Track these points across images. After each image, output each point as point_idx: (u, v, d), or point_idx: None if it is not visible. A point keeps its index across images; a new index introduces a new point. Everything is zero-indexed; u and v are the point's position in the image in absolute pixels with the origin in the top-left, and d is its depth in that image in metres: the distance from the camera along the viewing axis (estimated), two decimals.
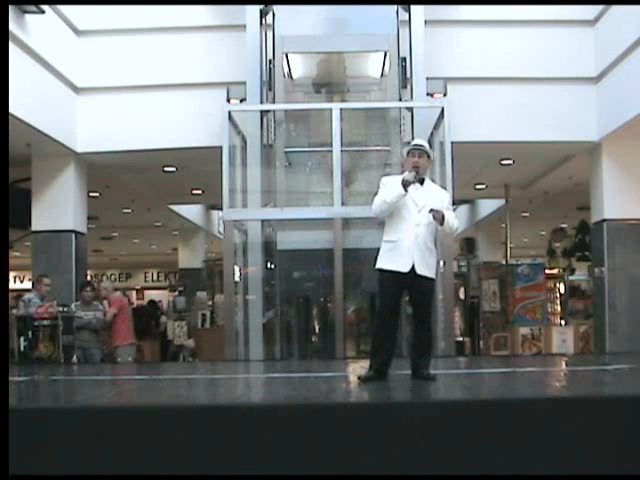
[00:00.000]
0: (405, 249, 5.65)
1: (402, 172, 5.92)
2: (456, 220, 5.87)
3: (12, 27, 7.88)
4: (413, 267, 5.62)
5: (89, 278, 12.32)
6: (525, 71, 9.75)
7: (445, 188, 8.19)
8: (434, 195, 5.88)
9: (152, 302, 15.40)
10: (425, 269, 5.68)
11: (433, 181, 6.06)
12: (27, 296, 9.15)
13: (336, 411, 4.56)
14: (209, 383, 7.18)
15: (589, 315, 11.41)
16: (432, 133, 8.91)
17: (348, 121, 8.74)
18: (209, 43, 10.00)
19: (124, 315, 9.82)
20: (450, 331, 8.73)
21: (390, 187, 5.75)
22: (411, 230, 5.68)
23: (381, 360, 5.72)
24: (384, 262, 5.73)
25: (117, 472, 4.14)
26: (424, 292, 5.78)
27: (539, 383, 6.52)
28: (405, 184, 5.65)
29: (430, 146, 8.89)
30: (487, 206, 16.58)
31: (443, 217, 5.67)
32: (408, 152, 5.89)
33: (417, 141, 6.10)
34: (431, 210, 5.65)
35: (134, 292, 27.31)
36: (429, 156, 5.92)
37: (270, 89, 9.31)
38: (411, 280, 5.65)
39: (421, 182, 5.81)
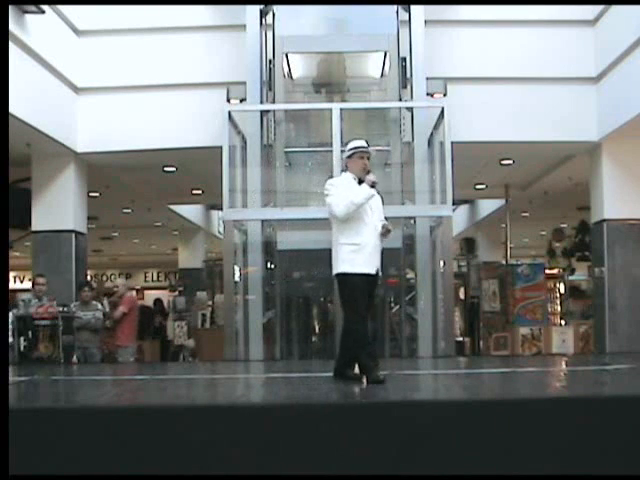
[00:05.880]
0: (369, 252, 5.79)
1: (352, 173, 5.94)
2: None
3: (12, 27, 7.87)
4: (377, 269, 5.85)
5: (89, 278, 12.32)
6: (525, 71, 9.74)
7: (445, 188, 8.26)
8: (377, 196, 6.01)
9: (159, 300, 15.38)
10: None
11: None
12: (26, 296, 9.16)
13: (336, 411, 4.56)
14: (209, 383, 7.19)
15: (589, 315, 11.40)
16: (432, 133, 8.92)
17: (348, 121, 8.73)
18: (209, 43, 9.99)
19: (132, 316, 9.87)
20: (450, 331, 8.74)
21: (343, 189, 5.82)
22: (373, 233, 5.84)
23: (373, 363, 5.75)
24: (354, 265, 5.77)
25: (117, 472, 4.14)
26: (375, 289, 5.96)
27: (539, 383, 6.52)
28: (373, 185, 5.82)
29: (429, 145, 9.01)
30: (487, 206, 16.58)
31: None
32: (353, 154, 5.94)
33: (362, 143, 6.08)
34: (384, 227, 5.86)
35: (134, 292, 27.27)
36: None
37: (270, 89, 9.31)
38: (373, 281, 5.86)
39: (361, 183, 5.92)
